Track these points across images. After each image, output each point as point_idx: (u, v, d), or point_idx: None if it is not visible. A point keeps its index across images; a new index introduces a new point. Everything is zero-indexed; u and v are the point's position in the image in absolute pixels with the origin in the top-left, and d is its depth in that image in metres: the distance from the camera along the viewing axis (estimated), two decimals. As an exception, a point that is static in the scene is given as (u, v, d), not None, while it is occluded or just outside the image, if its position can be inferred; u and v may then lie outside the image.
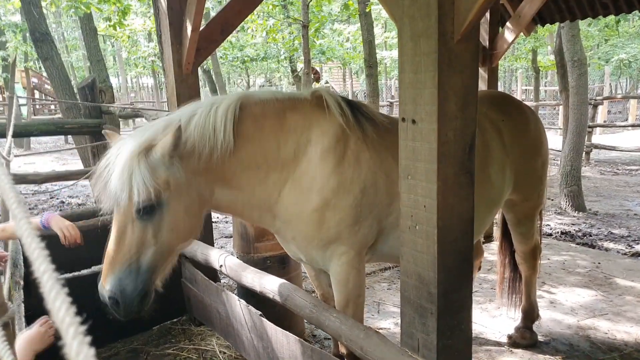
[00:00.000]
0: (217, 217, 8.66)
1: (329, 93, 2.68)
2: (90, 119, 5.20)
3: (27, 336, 2.11)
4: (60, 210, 9.32)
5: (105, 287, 2.17)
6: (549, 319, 4.45)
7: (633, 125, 16.29)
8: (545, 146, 3.87)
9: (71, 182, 5.23)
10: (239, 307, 3.44)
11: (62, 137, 19.66)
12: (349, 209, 2.57)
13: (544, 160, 3.84)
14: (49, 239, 3.85)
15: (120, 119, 6.64)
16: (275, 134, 2.52)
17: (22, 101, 20.06)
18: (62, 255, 3.77)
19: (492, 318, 4.47)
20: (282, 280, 3.02)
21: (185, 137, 2.25)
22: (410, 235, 2.10)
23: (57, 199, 10.53)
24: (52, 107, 24.57)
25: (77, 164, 6.63)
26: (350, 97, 3.02)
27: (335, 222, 2.56)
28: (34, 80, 24.35)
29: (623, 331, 4.23)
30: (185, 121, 2.32)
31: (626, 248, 6.77)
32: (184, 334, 4.19)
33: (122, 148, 2.15)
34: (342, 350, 3.17)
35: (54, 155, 16.55)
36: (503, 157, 3.31)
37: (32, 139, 19.27)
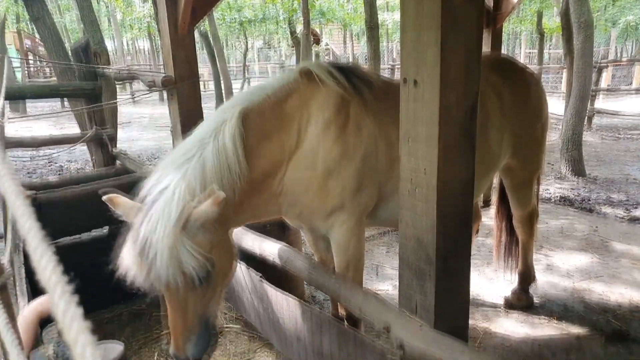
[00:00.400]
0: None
1: (317, 66, 2.61)
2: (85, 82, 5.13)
3: (36, 301, 2.12)
4: (59, 174, 9.32)
5: (187, 354, 2.16)
6: (545, 282, 4.52)
7: (637, 90, 16.11)
8: (546, 112, 3.82)
9: (69, 146, 5.19)
10: (240, 270, 3.48)
11: (59, 102, 19.46)
12: (352, 177, 2.56)
13: (544, 125, 3.80)
14: (47, 205, 3.82)
15: (116, 82, 6.55)
16: (279, 134, 2.45)
17: (16, 65, 19.73)
18: (62, 220, 3.80)
19: (489, 281, 4.54)
20: (282, 244, 3.04)
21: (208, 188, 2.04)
22: (410, 199, 2.09)
23: (56, 163, 10.51)
24: (48, 71, 24.19)
25: (74, 128, 6.59)
26: (350, 60, 2.92)
27: (339, 191, 2.56)
28: (27, 42, 23.88)
29: (617, 293, 4.30)
30: (209, 179, 2.09)
31: (624, 213, 6.81)
32: (186, 296, 4.25)
33: (155, 226, 1.91)
34: (341, 311, 3.23)
35: (50, 120, 16.43)
36: (502, 122, 3.27)
37: (28, 104, 19.05)
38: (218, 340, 2.38)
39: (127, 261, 2.00)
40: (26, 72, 22.25)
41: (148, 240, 1.90)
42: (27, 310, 2.08)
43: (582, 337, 3.65)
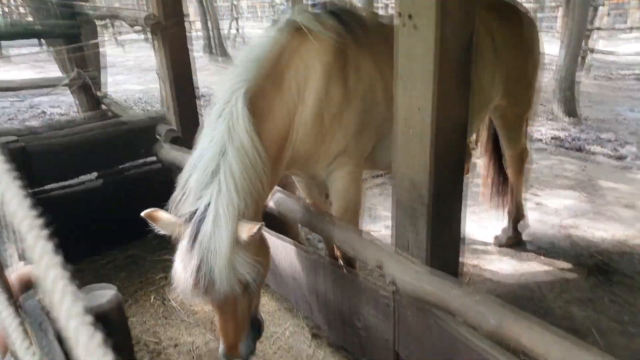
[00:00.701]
0: (201, 122, 8.53)
1: (306, 17, 2.49)
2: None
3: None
4: (42, 120, 9.11)
5: (242, 355, 2.21)
6: (534, 220, 4.61)
7: (631, 28, 15.84)
8: (538, 51, 3.77)
9: (49, 89, 5.02)
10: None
11: (37, 48, 18.68)
12: (353, 120, 2.56)
13: (535, 65, 3.76)
14: (35, 154, 3.72)
15: (96, 22, 6.25)
16: (282, 102, 2.37)
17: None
18: (48, 167, 3.74)
19: (480, 220, 4.62)
20: (276, 187, 3.04)
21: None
22: (403, 139, 2.07)
23: (38, 109, 10.25)
24: (22, 10, 23.04)
25: (56, 72, 6.36)
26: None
27: (342, 136, 2.57)
28: (0, -19, 22.56)
29: (602, 229, 4.42)
30: (242, 187, 2.06)
31: (612, 152, 6.87)
32: (180, 240, 4.29)
33: (210, 246, 1.92)
34: (337, 252, 3.29)
35: (30, 64, 15.87)
36: (494, 61, 3.23)
37: (5, 48, 18.30)
38: (263, 326, 2.43)
39: (182, 280, 1.99)
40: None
41: (204, 260, 1.91)
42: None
43: (567, 271, 3.78)
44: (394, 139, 2.12)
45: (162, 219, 2.07)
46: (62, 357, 1.14)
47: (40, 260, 0.59)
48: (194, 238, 1.94)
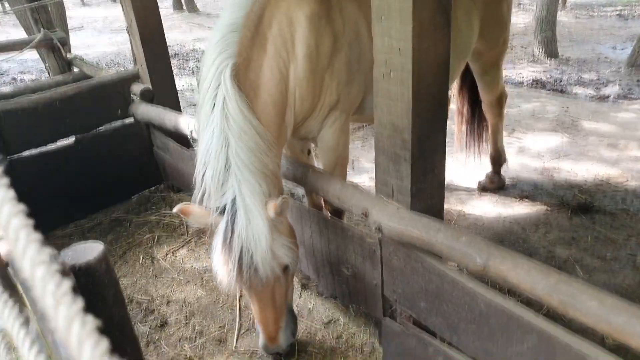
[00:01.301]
0: (182, 85, 8.32)
1: None
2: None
3: None
4: (13, 86, 8.79)
5: (282, 345, 2.33)
6: (516, 164, 4.65)
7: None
8: None
9: (16, 53, 4.80)
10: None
11: None
12: (344, 68, 2.53)
13: (510, 5, 3.76)
14: (5, 118, 3.61)
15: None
16: (273, 66, 2.29)
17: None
18: (22, 132, 3.62)
19: (463, 166, 4.64)
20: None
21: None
22: (384, 84, 2.02)
23: (8, 75, 9.87)
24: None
25: (21, 33, 6.05)
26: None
27: (335, 87, 2.54)
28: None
29: (584, 169, 4.48)
30: (257, 170, 2.10)
31: (594, 92, 6.88)
32: (164, 201, 4.26)
33: (247, 235, 2.00)
34: (327, 209, 3.30)
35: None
36: (469, 3, 3.20)
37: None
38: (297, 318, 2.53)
39: (226, 274, 2.06)
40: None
41: (245, 249, 2.00)
42: None
43: (550, 212, 3.85)
44: (374, 83, 2.07)
45: (194, 213, 2.13)
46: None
47: (0, 207, 0.55)
48: (231, 232, 2.02)
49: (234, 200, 2.04)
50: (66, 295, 0.52)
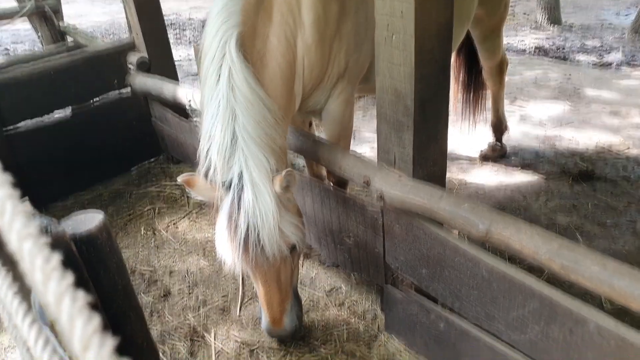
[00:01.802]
0: (180, 56, 8.19)
1: None
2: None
3: None
4: (6, 56, 8.64)
5: (286, 328, 2.26)
6: (518, 132, 4.61)
7: None
8: None
9: (8, 21, 4.68)
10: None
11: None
12: (351, 33, 2.47)
13: None
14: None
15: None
16: (280, 35, 2.21)
17: None
18: (17, 103, 3.57)
19: (465, 135, 4.60)
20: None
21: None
22: (387, 48, 1.97)
23: (0, 45, 9.69)
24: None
25: (10, 2, 5.90)
26: None
27: (344, 53, 2.48)
28: None
29: (586, 137, 4.45)
30: (265, 144, 2.03)
31: (597, 59, 6.78)
32: (164, 172, 4.23)
33: (255, 212, 1.93)
34: (331, 180, 3.30)
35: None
36: None
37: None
38: (302, 302, 2.48)
39: (231, 250, 2.00)
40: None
41: (252, 226, 1.93)
42: None
43: (552, 180, 3.84)
44: (376, 48, 2.02)
45: (199, 185, 2.07)
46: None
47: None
48: (238, 208, 1.95)
49: (240, 175, 1.97)
50: (55, 271, 0.49)
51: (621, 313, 1.79)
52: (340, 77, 2.56)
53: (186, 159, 4.06)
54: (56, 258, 0.52)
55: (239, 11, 2.09)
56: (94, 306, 0.50)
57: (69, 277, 0.50)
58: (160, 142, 4.31)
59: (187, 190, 2.10)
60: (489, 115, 4.40)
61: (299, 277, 2.47)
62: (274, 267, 2.09)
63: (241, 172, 1.97)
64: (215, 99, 2.04)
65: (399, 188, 2.04)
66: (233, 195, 1.97)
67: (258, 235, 1.93)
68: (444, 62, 2.02)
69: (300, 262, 3.11)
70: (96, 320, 0.47)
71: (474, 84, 4.24)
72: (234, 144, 2.00)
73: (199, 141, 2.10)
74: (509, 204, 3.60)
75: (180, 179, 2.06)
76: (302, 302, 2.76)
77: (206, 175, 2.05)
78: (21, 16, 4.56)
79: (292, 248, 2.11)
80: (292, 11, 2.26)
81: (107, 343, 0.44)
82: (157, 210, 3.76)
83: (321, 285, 2.92)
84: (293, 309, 2.28)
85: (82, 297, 0.49)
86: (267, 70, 2.15)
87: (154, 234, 3.51)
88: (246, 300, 2.88)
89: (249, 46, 2.10)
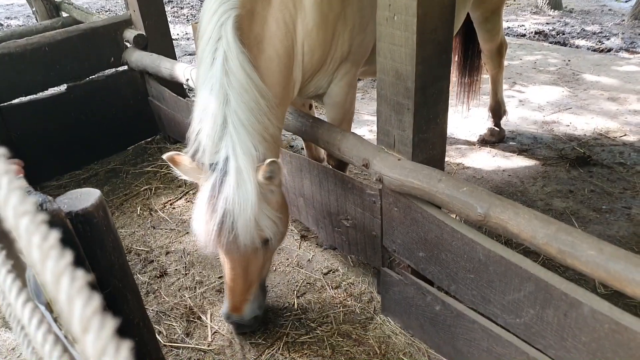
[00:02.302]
0: (177, 34, 8.07)
1: None
2: None
3: None
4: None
5: (244, 317, 2.26)
6: (517, 117, 4.60)
7: None
8: None
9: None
10: (212, 121, 3.38)
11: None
12: (357, 14, 2.42)
13: None
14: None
15: None
16: (278, 18, 2.15)
17: None
18: (10, 79, 3.52)
19: (464, 119, 4.59)
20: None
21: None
22: (388, 28, 1.94)
23: (-6, 22, 9.53)
24: None
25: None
26: None
27: (348, 34, 2.43)
28: None
29: (584, 122, 4.44)
30: (255, 131, 2.00)
31: (596, 44, 6.74)
32: (160, 152, 4.20)
33: (234, 199, 1.91)
34: (322, 155, 3.27)
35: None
36: None
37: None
38: (267, 295, 2.50)
39: (205, 232, 2.00)
40: None
41: (229, 213, 1.92)
42: None
43: (548, 164, 3.84)
44: (377, 28, 1.99)
45: (184, 164, 2.07)
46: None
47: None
48: (218, 192, 1.93)
49: (226, 160, 1.95)
50: (53, 249, 0.48)
51: (614, 297, 1.81)
52: (344, 59, 2.51)
53: (183, 138, 4.02)
54: (54, 236, 0.50)
55: None
56: (92, 286, 0.48)
57: (68, 256, 0.49)
58: (157, 121, 4.27)
59: (172, 168, 2.09)
60: (486, 99, 4.39)
61: (268, 274, 2.47)
62: (244, 256, 2.09)
63: (227, 157, 1.96)
64: (209, 82, 2.02)
65: (398, 171, 2.03)
66: (215, 179, 1.96)
67: (233, 223, 1.93)
68: (446, 43, 2.00)
69: (298, 244, 3.12)
70: (96, 300, 0.46)
71: (469, 67, 4.22)
72: (224, 128, 1.98)
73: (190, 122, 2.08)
74: (506, 188, 3.61)
75: (165, 156, 2.06)
76: (299, 283, 2.78)
77: (194, 156, 2.04)
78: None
79: (265, 242, 2.09)
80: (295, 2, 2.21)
81: (108, 324, 0.44)
82: (153, 190, 3.74)
83: (318, 267, 2.93)
84: (256, 300, 2.28)
85: (81, 276, 0.47)
86: (263, 57, 2.11)
87: (151, 213, 3.50)
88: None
89: (247, 30, 2.05)
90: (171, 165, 2.07)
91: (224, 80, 1.98)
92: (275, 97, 2.10)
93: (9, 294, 0.72)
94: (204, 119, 2.01)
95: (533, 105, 4.85)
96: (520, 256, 1.78)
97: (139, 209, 3.56)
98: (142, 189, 3.76)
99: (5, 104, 3.60)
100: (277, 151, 2.18)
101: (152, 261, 3.07)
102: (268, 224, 2.03)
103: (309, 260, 3.00)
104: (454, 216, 2.13)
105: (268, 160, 1.92)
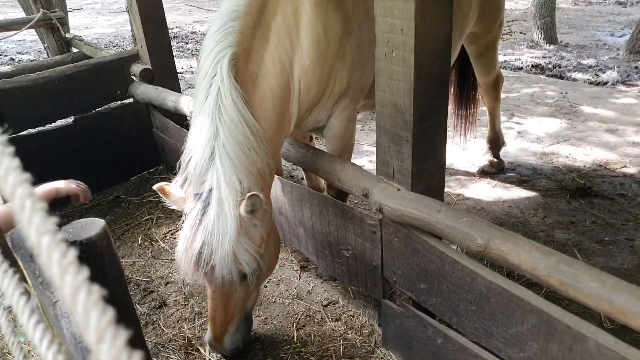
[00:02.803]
0: (182, 68, 8.24)
1: None
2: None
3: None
4: (12, 66, 8.69)
5: (225, 348, 2.27)
6: (516, 148, 4.64)
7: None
8: None
9: (16, 32, 4.72)
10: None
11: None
12: (355, 51, 2.48)
13: None
14: (4, 96, 3.56)
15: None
16: (275, 57, 2.22)
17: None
18: (20, 111, 3.59)
19: (463, 150, 4.63)
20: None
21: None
22: (387, 64, 1.99)
23: (5, 56, 9.76)
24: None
25: (20, 14, 5.95)
26: None
27: (347, 71, 2.48)
28: None
29: (583, 154, 4.48)
30: (241, 165, 2.02)
31: (593, 77, 6.86)
32: (162, 182, 4.23)
33: (213, 230, 1.93)
34: (321, 186, 3.28)
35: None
36: None
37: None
38: (252, 328, 2.51)
39: (184, 261, 2.02)
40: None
41: (208, 244, 1.94)
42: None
43: (549, 196, 3.85)
44: (376, 64, 2.04)
45: (172, 194, 2.12)
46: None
47: (6, 177, 0.54)
48: (199, 222, 1.96)
49: (209, 192, 1.98)
50: (72, 265, 0.51)
51: (620, 332, 1.79)
52: (343, 94, 2.56)
53: (185, 169, 4.07)
54: (72, 253, 0.54)
55: (236, 31, 2.12)
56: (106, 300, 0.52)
57: (85, 272, 0.52)
58: (161, 152, 4.33)
59: (162, 198, 2.14)
60: (485, 130, 4.44)
61: (255, 305, 2.46)
62: (224, 288, 2.09)
63: (211, 189, 1.98)
64: (202, 116, 2.08)
65: (398, 201, 2.04)
66: (198, 209, 1.98)
67: (211, 254, 1.94)
68: (443, 76, 2.05)
69: (297, 275, 3.10)
70: (110, 313, 0.49)
71: (465, 99, 4.30)
72: (211, 160, 2.02)
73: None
74: (506, 219, 3.61)
75: (155, 187, 2.12)
76: (298, 315, 2.75)
77: (182, 185, 2.09)
78: (30, 27, 4.60)
79: (244, 277, 2.08)
80: (290, 34, 2.27)
81: (121, 335, 0.47)
82: (154, 220, 3.75)
83: (318, 299, 2.91)
84: (238, 332, 2.27)
85: (96, 290, 0.50)
86: (258, 93, 2.16)
87: (151, 243, 3.50)
88: (243, 312, 2.86)
89: (242, 67, 2.11)
90: (161, 195, 2.12)
91: (215, 115, 2.03)
92: (267, 132, 2.14)
93: (21, 316, 0.74)
94: (194, 149, 2.06)
95: (532, 137, 4.90)
96: (521, 288, 1.77)
97: (140, 238, 3.56)
98: (144, 219, 3.77)
99: (14, 135, 3.66)
100: (264, 186, 2.17)
101: (152, 292, 3.05)
102: (247, 259, 2.01)
103: (308, 291, 2.98)
104: (454, 247, 2.13)
105: (249, 194, 1.92)
